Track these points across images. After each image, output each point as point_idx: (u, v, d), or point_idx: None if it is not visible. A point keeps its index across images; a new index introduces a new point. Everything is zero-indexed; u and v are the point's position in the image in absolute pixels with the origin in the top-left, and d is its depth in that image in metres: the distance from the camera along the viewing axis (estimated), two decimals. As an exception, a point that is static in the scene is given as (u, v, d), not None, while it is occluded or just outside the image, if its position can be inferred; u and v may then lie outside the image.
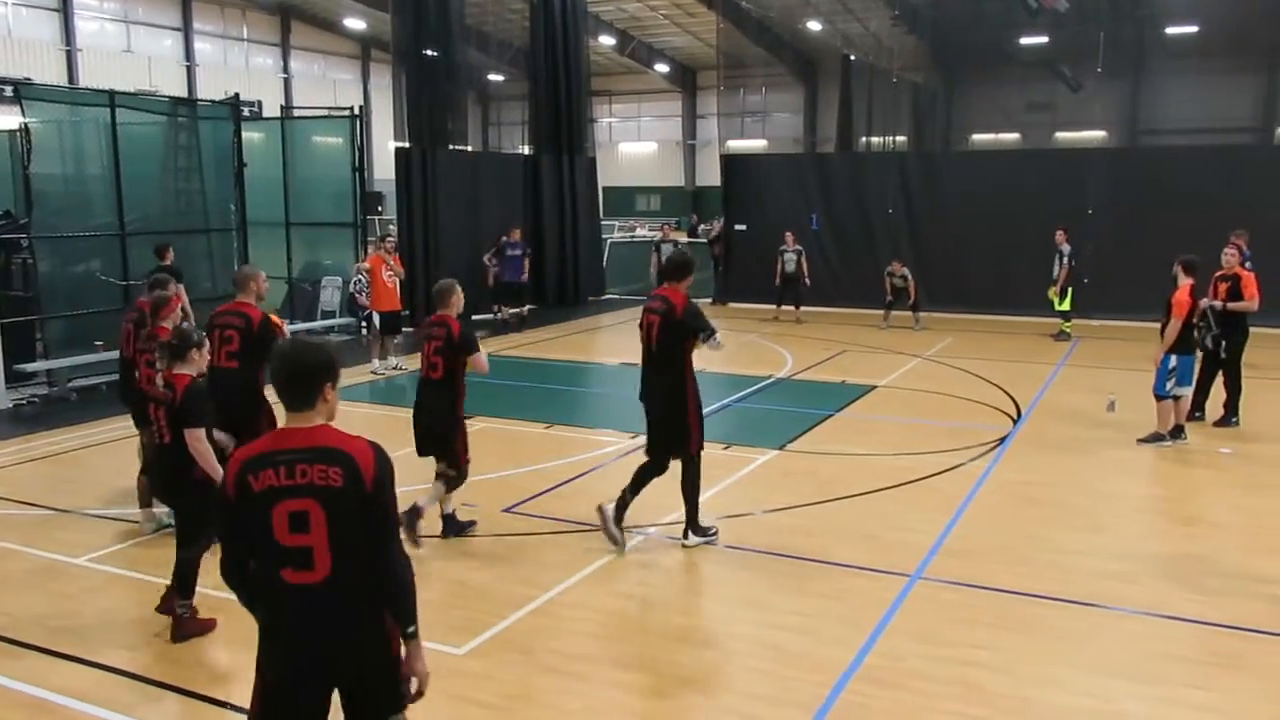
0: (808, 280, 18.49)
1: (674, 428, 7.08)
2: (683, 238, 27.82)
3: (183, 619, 5.77)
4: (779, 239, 19.81)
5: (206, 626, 5.80)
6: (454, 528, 7.34)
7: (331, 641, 3.22)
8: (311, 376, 3.24)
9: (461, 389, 7.16)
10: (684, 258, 7.39)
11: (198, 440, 5.70)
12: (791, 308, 18.58)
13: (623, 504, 7.18)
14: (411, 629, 3.29)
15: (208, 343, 6.14)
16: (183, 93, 34.66)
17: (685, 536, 7.23)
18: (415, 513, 6.85)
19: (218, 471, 5.48)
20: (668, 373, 6.99)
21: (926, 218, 19.93)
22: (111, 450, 10.08)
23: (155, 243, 12.56)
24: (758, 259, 20.41)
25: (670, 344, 6.94)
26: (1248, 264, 13.20)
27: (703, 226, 23.26)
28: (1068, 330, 16.64)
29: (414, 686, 3.35)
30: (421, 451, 7.21)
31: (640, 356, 7.19)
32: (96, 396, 12.49)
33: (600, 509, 7.17)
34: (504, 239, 18.10)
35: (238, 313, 7.13)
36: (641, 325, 7.13)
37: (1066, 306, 16.51)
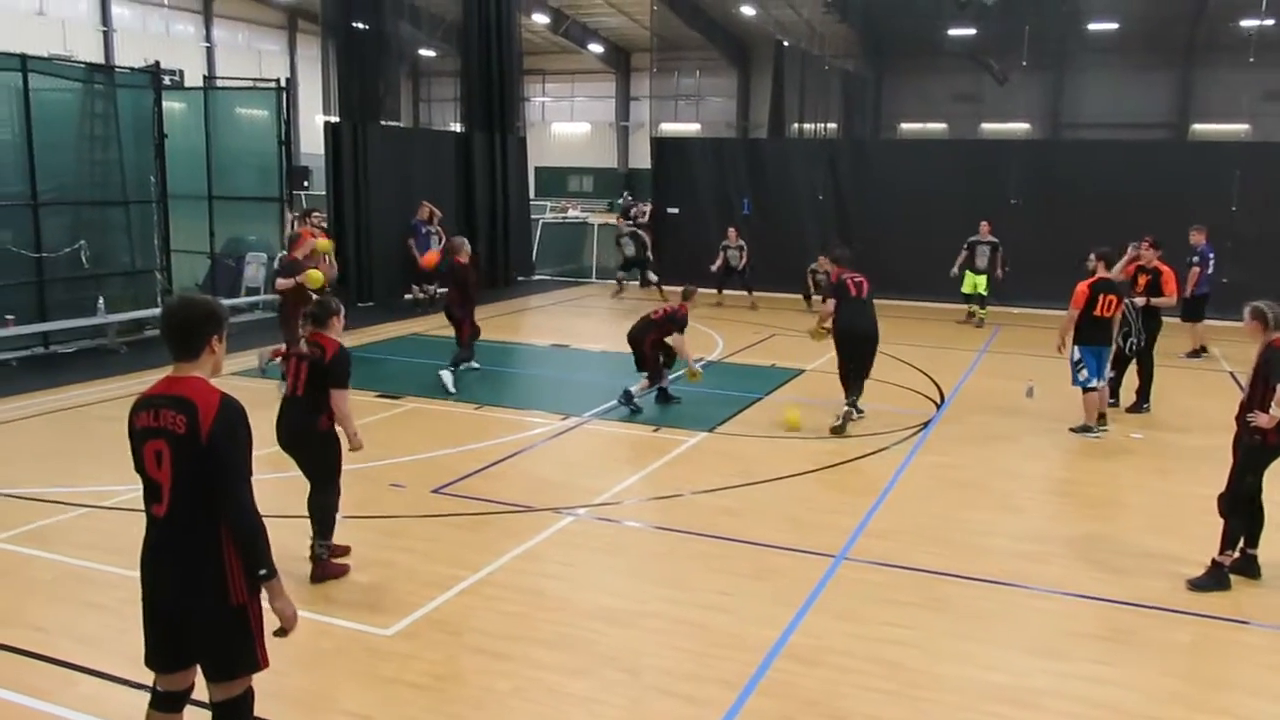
0: (751, 270, 18.67)
1: (873, 352, 10.16)
2: (615, 220, 27.71)
3: (320, 559, 6.17)
4: (709, 223, 19.94)
5: (340, 570, 6.22)
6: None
7: (163, 569, 3.57)
8: (194, 327, 3.57)
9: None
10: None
11: (343, 400, 6.12)
12: (744, 293, 18.72)
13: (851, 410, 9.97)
14: (263, 571, 3.54)
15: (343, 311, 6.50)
16: (99, 59, 33.43)
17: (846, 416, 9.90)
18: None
19: (353, 427, 6.21)
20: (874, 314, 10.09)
21: (854, 204, 20.22)
22: (24, 428, 9.78)
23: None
24: (688, 242, 20.51)
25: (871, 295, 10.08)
26: (1211, 259, 13.77)
27: (635, 209, 23.13)
28: (984, 316, 17.13)
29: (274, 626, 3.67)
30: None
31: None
32: (5, 373, 12.08)
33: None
34: (415, 219, 17.85)
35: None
36: (851, 281, 10.00)
37: (986, 293, 17.02)
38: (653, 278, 19.60)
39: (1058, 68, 34.38)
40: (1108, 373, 10.40)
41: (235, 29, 43.59)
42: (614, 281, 20.30)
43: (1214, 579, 6.35)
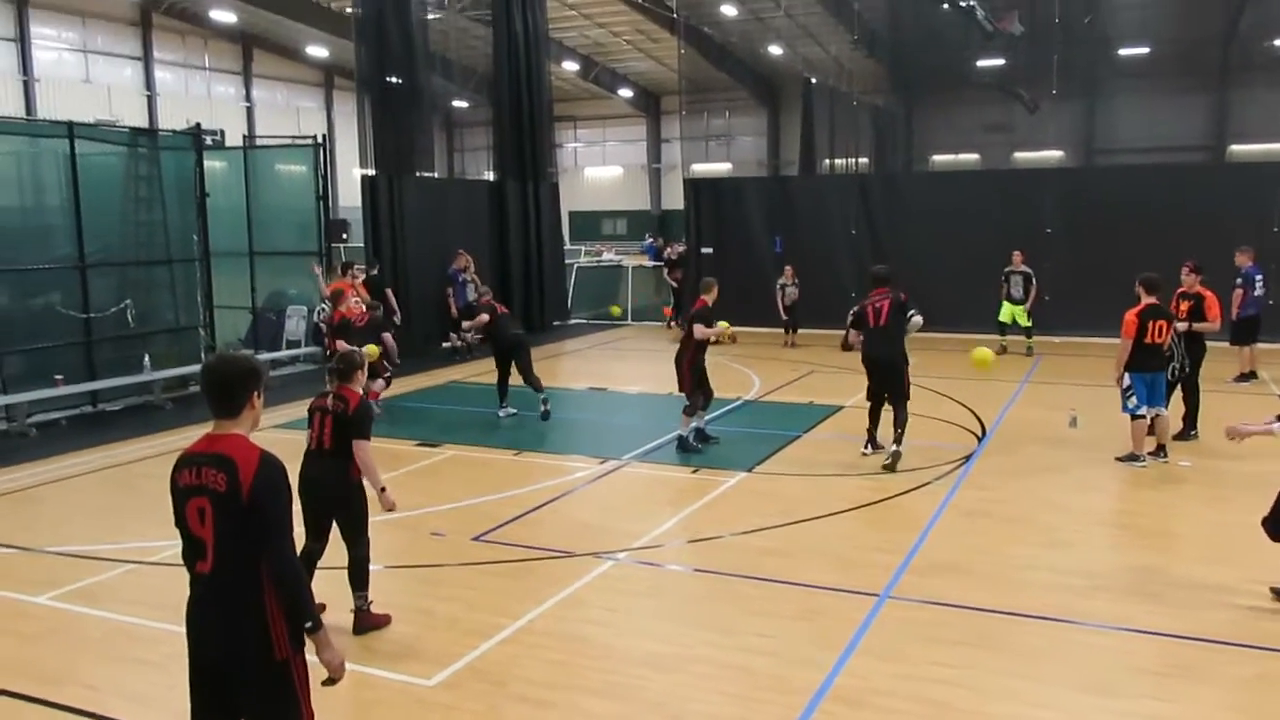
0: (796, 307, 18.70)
1: (897, 379, 10.04)
2: (645, 262, 27.84)
3: (361, 611, 6.22)
4: (744, 261, 19.94)
5: (382, 620, 6.28)
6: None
7: (208, 625, 3.60)
8: (233, 385, 3.63)
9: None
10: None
11: (365, 452, 6.15)
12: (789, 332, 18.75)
13: (872, 437, 10.21)
14: (308, 624, 3.59)
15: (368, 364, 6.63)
16: (144, 122, 34.38)
17: (894, 455, 9.76)
18: None
19: (378, 480, 6.24)
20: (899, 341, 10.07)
21: (888, 238, 20.15)
22: (71, 486, 9.95)
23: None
24: (723, 281, 20.50)
25: (896, 320, 9.96)
26: (1258, 280, 13.57)
27: (669, 249, 23.20)
28: (1032, 346, 16.98)
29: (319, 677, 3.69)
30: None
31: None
32: (56, 431, 12.32)
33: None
34: (452, 268, 18.05)
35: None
36: (871, 308, 10.04)
37: (1030, 324, 16.91)
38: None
39: (1089, 94, 34.16)
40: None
41: (274, 88, 44.63)
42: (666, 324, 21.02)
43: None
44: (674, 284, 21.91)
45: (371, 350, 10.54)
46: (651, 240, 38.75)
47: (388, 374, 12.31)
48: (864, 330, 10.20)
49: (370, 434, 6.26)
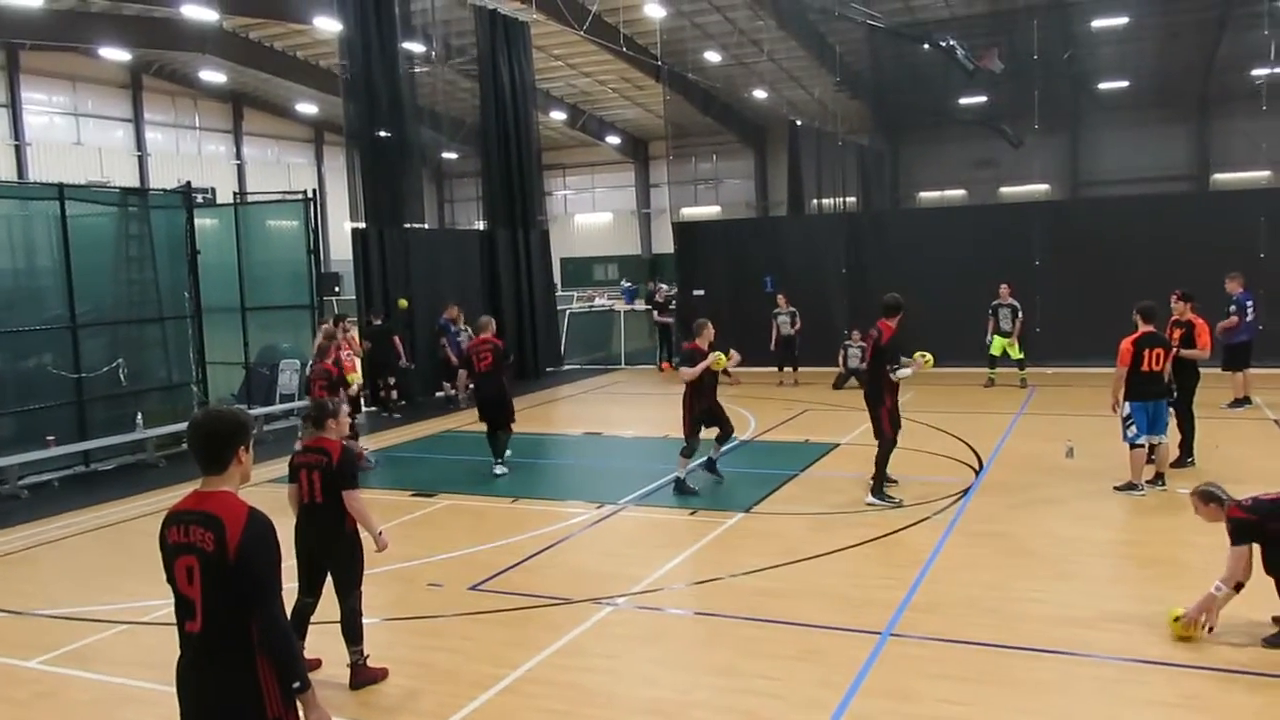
0: (796, 342, 18.69)
1: (873, 418, 9.85)
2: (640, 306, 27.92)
3: (358, 666, 6.13)
4: (735, 302, 19.98)
5: (379, 674, 6.18)
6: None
7: (198, 688, 3.53)
8: (220, 441, 3.58)
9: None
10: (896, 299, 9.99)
11: (356, 500, 6.12)
12: (790, 369, 18.69)
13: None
14: (297, 684, 3.53)
15: (346, 410, 6.54)
16: (135, 182, 34.65)
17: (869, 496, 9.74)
18: None
19: (374, 525, 6.19)
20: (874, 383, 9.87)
21: (878, 274, 20.21)
22: (63, 548, 9.84)
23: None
24: (715, 323, 20.54)
25: (876, 365, 9.76)
26: (1249, 306, 13.64)
27: (659, 292, 23.24)
28: (1025, 378, 17.01)
29: None
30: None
31: None
32: (48, 493, 12.22)
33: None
34: (443, 318, 18.07)
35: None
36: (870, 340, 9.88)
37: (1021, 355, 16.96)
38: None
39: (1072, 128, 34.68)
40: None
41: (264, 145, 45.02)
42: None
43: None
44: (662, 325, 21.88)
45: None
46: (630, 285, 38.88)
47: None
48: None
49: (358, 482, 6.21)
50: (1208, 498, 6.52)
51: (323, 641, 6.28)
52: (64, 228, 13.17)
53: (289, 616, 5.98)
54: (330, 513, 6.12)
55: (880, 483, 9.86)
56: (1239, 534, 6.19)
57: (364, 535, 6.23)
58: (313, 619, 6.26)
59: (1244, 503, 6.30)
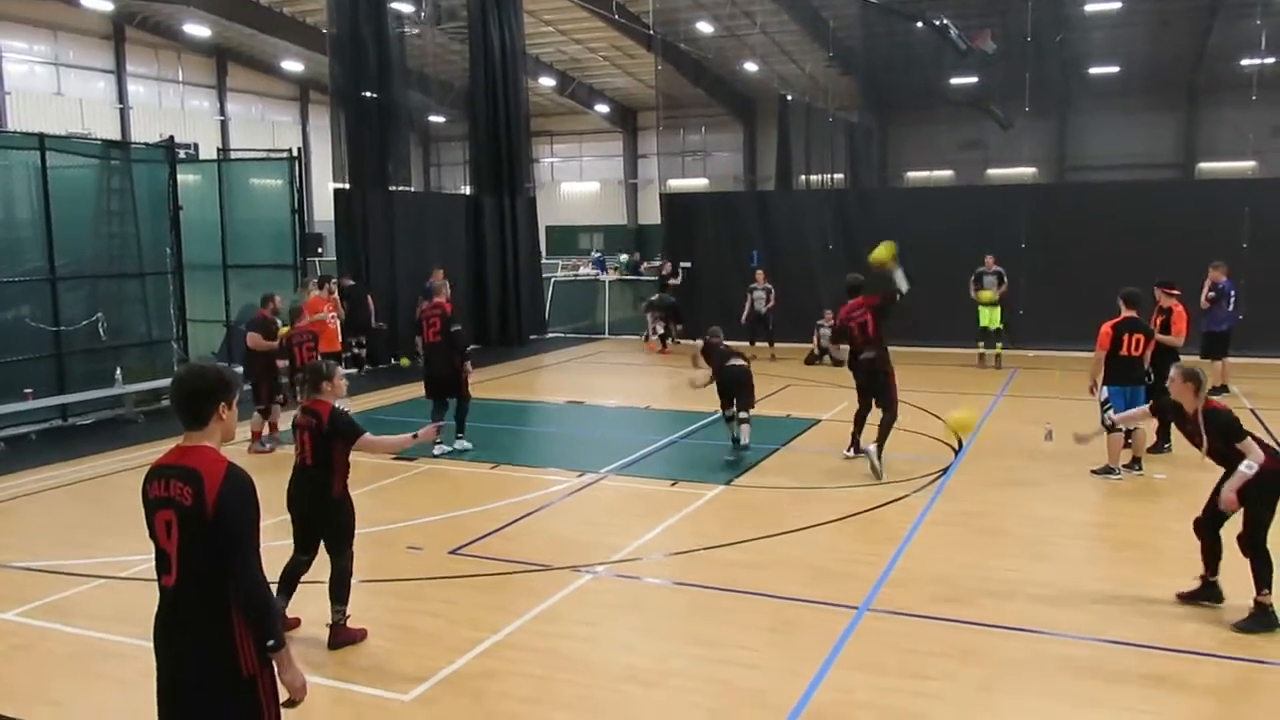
0: (771, 321, 18.69)
1: (884, 386, 10.22)
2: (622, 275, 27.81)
3: (338, 625, 6.16)
4: (720, 276, 19.97)
5: (358, 635, 6.20)
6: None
7: (173, 640, 3.54)
8: (202, 397, 3.57)
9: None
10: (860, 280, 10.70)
11: (368, 443, 6.18)
12: (765, 344, 18.71)
13: (855, 441, 10.37)
14: (271, 643, 3.50)
15: (340, 372, 6.59)
16: (116, 135, 34.08)
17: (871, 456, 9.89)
18: None
19: (398, 443, 6.44)
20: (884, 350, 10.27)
21: (864, 252, 20.23)
22: (40, 501, 9.79)
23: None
24: (701, 295, 20.56)
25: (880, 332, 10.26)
26: (1232, 295, 13.77)
27: (645, 265, 23.16)
28: (1000, 356, 17.13)
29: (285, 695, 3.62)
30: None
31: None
32: (25, 446, 12.13)
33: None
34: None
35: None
36: (856, 325, 10.28)
37: (1001, 326, 17.18)
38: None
39: (1061, 112, 34.71)
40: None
41: (248, 102, 44.41)
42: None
43: (1259, 621, 6.24)
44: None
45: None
46: (598, 255, 38.70)
47: (276, 401, 11.79)
48: (851, 345, 10.45)
49: (358, 430, 6.15)
50: (1189, 377, 6.58)
51: (303, 601, 6.29)
52: (44, 179, 12.97)
53: (281, 573, 6.11)
54: (319, 475, 6.13)
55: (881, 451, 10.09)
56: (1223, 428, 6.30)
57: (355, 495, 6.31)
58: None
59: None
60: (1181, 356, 11.00)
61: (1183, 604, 6.63)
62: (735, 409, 10.98)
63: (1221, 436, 6.31)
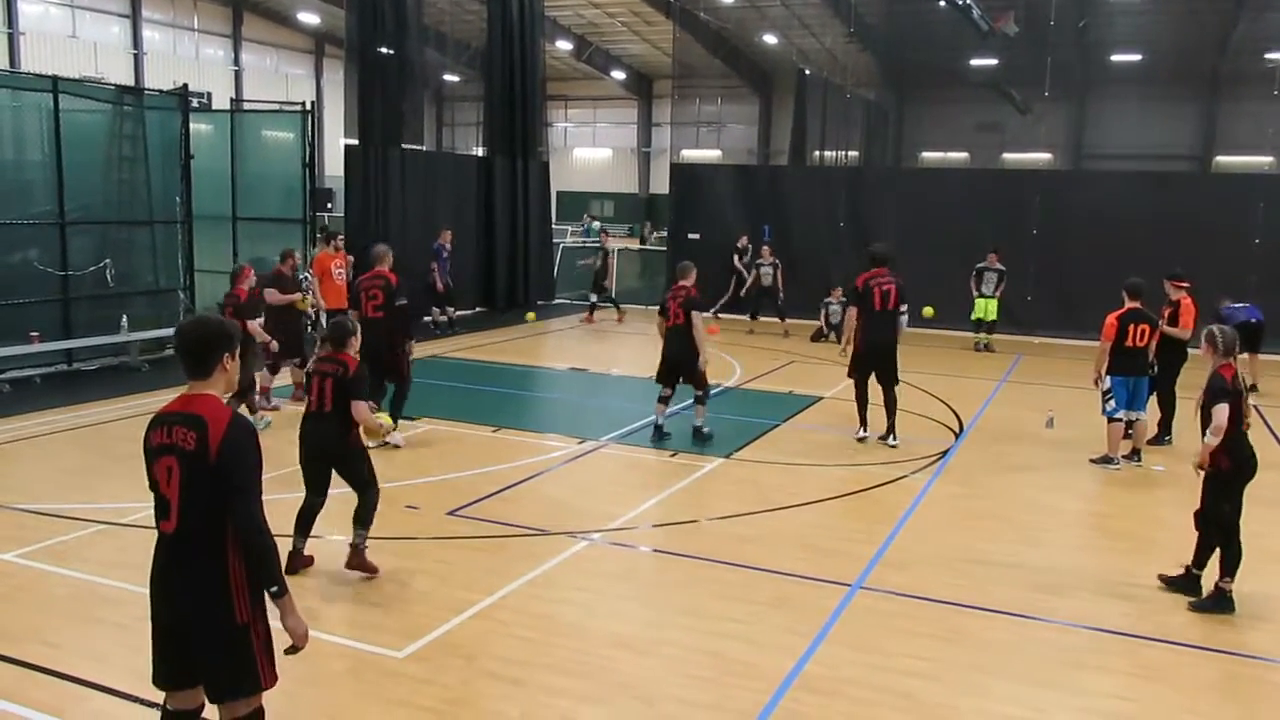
0: (782, 294, 18.61)
1: (893, 363, 10.40)
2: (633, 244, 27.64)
3: (357, 548, 6.45)
4: (729, 249, 19.87)
5: (371, 567, 6.47)
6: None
7: (169, 585, 3.59)
8: (206, 347, 3.63)
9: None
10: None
11: (361, 410, 6.46)
12: (775, 319, 18.63)
13: (864, 419, 10.55)
14: (274, 589, 3.57)
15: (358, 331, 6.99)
16: (130, 81, 33.94)
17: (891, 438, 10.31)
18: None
19: (380, 426, 6.82)
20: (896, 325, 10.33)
21: (875, 232, 20.13)
22: (42, 445, 9.84)
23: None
24: (706, 267, 20.46)
25: (898, 306, 10.26)
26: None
27: (654, 235, 22.95)
28: (989, 341, 17.27)
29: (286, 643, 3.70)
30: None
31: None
32: (29, 389, 12.18)
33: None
34: (437, 243, 17.83)
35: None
36: (879, 290, 10.18)
37: (995, 319, 17.26)
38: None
39: (1080, 98, 34.42)
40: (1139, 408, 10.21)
41: (263, 53, 44.18)
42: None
43: (1217, 604, 6.42)
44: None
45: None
46: (587, 222, 38.43)
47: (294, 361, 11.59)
48: (868, 311, 10.33)
49: (365, 395, 6.59)
50: (1209, 338, 6.61)
51: (312, 543, 6.46)
52: (56, 122, 12.92)
53: (296, 515, 6.27)
54: (336, 422, 6.44)
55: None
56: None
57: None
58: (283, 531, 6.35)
59: None
60: (1189, 352, 11.02)
61: (1162, 587, 6.78)
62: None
63: (1209, 393, 6.42)
